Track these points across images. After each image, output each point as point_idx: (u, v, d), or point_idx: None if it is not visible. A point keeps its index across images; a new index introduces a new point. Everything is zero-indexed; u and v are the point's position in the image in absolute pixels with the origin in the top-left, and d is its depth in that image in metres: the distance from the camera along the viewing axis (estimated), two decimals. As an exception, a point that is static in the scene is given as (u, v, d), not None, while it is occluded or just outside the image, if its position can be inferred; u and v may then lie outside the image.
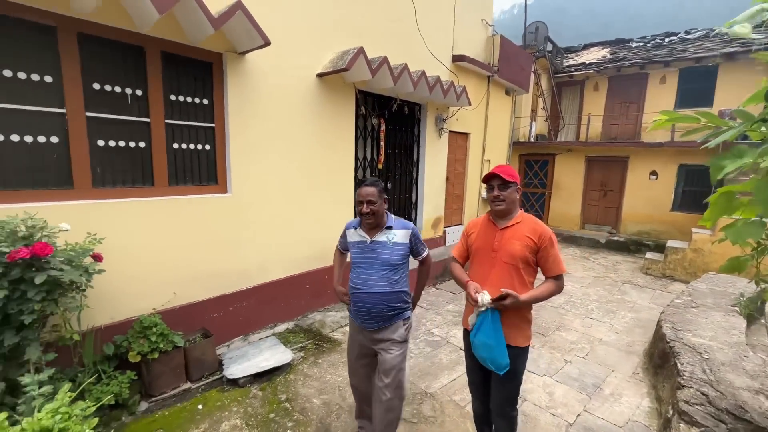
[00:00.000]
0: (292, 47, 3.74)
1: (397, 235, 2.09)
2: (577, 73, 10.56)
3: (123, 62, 2.81)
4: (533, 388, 3.11)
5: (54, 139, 2.55)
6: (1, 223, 2.02)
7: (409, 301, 2.21)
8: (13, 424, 1.58)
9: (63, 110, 2.57)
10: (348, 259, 2.31)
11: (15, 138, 2.41)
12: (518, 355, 1.91)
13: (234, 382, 3.00)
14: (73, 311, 2.21)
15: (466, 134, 6.91)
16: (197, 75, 3.22)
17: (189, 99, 3.19)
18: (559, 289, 1.89)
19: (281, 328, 3.97)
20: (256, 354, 3.32)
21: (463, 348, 2.28)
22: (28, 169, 2.47)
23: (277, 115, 3.72)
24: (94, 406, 1.97)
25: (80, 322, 2.41)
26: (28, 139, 2.46)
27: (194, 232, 3.20)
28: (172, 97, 3.09)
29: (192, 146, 3.25)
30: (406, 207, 6.00)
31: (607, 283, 6.18)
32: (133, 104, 2.88)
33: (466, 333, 2.07)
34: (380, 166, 5.35)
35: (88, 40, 2.63)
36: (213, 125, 3.34)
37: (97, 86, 2.70)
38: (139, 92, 2.90)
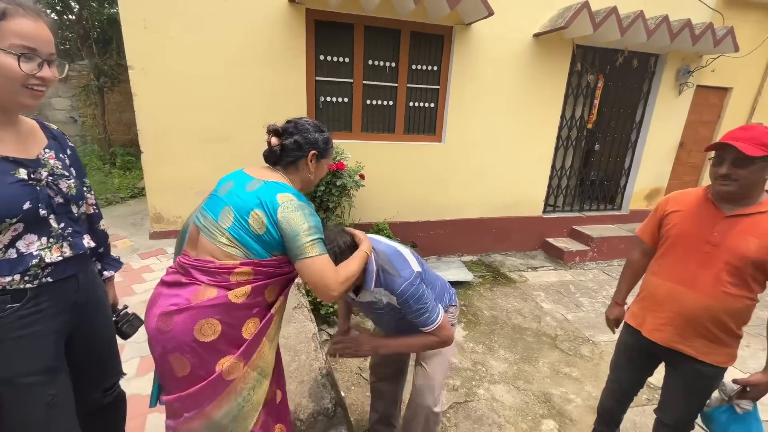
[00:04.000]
0: (511, 12, 4.08)
1: (385, 296, 1.44)
2: None
3: (385, 43, 3.97)
4: None
5: (345, 100, 4.01)
6: (323, 149, 3.53)
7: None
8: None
9: (351, 80, 3.96)
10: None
11: (330, 99, 3.96)
12: (715, 377, 1.50)
13: (428, 283, 4.09)
14: (348, 207, 3.66)
15: (724, 89, 5.47)
16: (431, 46, 4.11)
17: (423, 66, 4.15)
18: None
19: (466, 258, 4.83)
20: (445, 269, 4.32)
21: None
22: (335, 119, 4.03)
23: (489, 75, 4.26)
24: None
25: (349, 215, 3.92)
26: (335, 100, 3.98)
27: (415, 170, 4.31)
28: (413, 66, 4.11)
29: (421, 104, 4.26)
30: (614, 173, 5.55)
31: None
32: (389, 74, 4.06)
33: (628, 328, 1.71)
34: (589, 126, 5.14)
35: (368, 30, 3.87)
36: (438, 87, 4.24)
37: (370, 62, 3.96)
38: (393, 64, 4.04)
